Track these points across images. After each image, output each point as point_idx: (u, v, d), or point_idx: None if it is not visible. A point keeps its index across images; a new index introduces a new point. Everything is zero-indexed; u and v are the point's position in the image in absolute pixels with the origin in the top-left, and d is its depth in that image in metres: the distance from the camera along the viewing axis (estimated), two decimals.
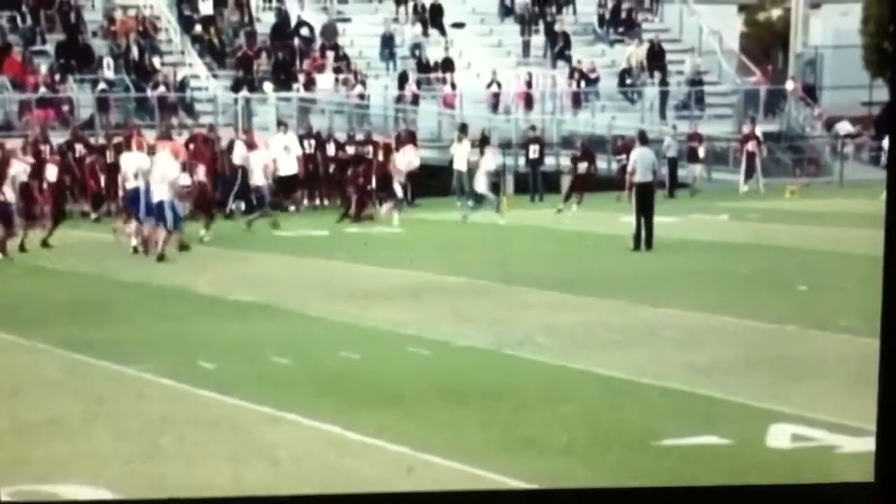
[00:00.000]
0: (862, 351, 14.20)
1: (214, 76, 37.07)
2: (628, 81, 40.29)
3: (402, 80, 37.96)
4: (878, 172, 36.73)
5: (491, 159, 29.20)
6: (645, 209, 22.72)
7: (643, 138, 23.96)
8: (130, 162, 24.10)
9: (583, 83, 39.64)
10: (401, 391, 12.73)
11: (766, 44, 50.99)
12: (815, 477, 9.79)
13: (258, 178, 27.26)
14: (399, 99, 37.74)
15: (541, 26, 41.80)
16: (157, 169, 22.76)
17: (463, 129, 33.52)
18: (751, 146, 33.23)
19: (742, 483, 8.89)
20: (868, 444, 10.43)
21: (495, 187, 29.08)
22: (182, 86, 35.95)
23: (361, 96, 37.40)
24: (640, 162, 23.16)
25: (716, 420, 11.46)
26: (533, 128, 35.71)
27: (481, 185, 28.53)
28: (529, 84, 39.35)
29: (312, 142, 32.73)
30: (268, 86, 36.57)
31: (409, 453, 10.48)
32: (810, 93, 43.69)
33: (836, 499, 3.94)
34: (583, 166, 29.17)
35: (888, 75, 44.60)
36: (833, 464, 10.22)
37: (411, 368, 13.87)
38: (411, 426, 11.32)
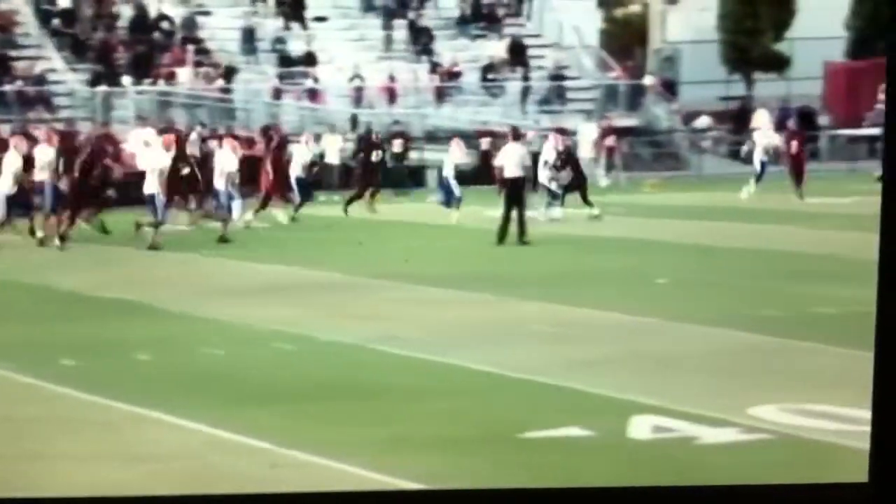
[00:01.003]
0: (725, 343, 14.51)
1: (73, 70, 36.53)
2: (490, 76, 40.51)
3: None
4: (736, 166, 37.36)
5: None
6: (515, 204, 22.94)
7: (515, 134, 24.29)
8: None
9: (445, 78, 39.78)
10: (266, 387, 12.70)
11: (625, 39, 51.54)
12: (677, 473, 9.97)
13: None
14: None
15: (403, 21, 41.83)
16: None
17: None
18: (610, 141, 33.58)
19: (618, 483, 9.02)
20: (729, 436, 10.70)
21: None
22: (40, 80, 35.38)
23: (224, 90, 37.12)
24: (510, 157, 23.42)
25: (579, 412, 11.58)
26: (397, 122, 35.77)
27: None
28: (392, 78, 39.38)
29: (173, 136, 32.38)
30: (126, 79, 36.13)
31: (274, 450, 10.44)
32: (669, 88, 44.30)
33: (830, 499, 4.00)
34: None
35: (744, 71, 45.48)
36: (695, 454, 10.39)
37: (277, 364, 13.83)
38: (277, 422, 11.27)
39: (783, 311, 16.19)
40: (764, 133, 29.40)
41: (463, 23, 42.71)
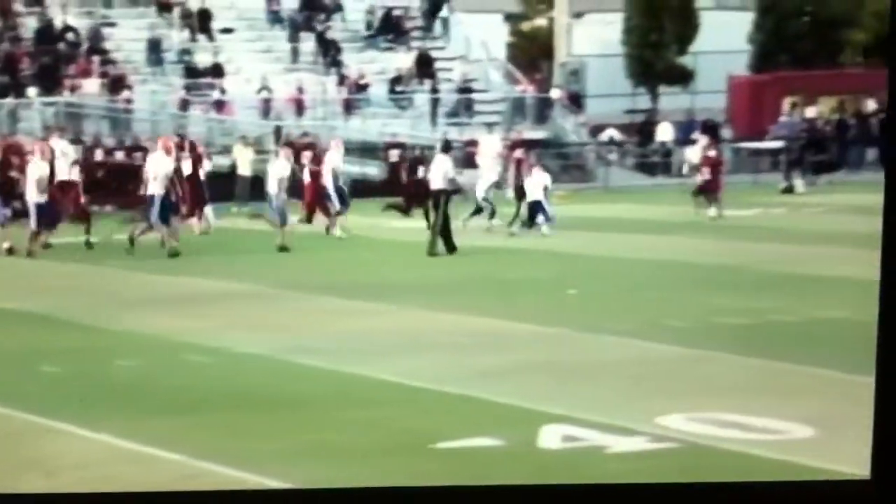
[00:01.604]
0: (633, 353, 14.66)
1: None
2: (398, 88, 40.62)
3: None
4: (642, 179, 37.76)
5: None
6: (441, 215, 23.17)
7: (445, 147, 24.59)
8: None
9: (353, 90, 39.81)
10: (178, 399, 12.65)
11: (532, 53, 51.87)
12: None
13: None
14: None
15: (311, 33, 41.81)
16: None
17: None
18: (518, 153, 33.73)
19: (524, 483, 9.09)
20: (638, 444, 10.83)
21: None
22: None
23: (129, 101, 36.88)
24: (435, 169, 23.73)
25: (490, 422, 11.65)
26: (306, 133, 35.70)
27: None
28: (300, 90, 39.34)
29: (80, 147, 32.12)
30: (32, 91, 35.77)
31: (186, 461, 10.41)
32: (575, 101, 44.64)
33: (833, 495, 4.04)
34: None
35: (644, 85, 45.95)
36: (604, 463, 10.49)
37: (190, 376, 13.78)
38: (189, 433, 11.25)
39: (689, 321, 16.37)
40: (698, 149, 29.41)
41: (371, 35, 42.79)
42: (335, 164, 27.34)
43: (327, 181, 27.12)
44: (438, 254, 22.98)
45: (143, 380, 13.56)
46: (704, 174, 28.68)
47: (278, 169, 25.38)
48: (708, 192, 28.51)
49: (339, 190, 27.14)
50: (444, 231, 23.16)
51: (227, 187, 26.37)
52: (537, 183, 26.51)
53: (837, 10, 46.13)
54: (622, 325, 16.05)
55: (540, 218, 25.92)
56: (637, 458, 10.61)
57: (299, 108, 39.02)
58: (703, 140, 30.10)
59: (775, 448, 10.71)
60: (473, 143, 35.05)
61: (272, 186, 25.07)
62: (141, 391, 13.01)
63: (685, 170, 30.29)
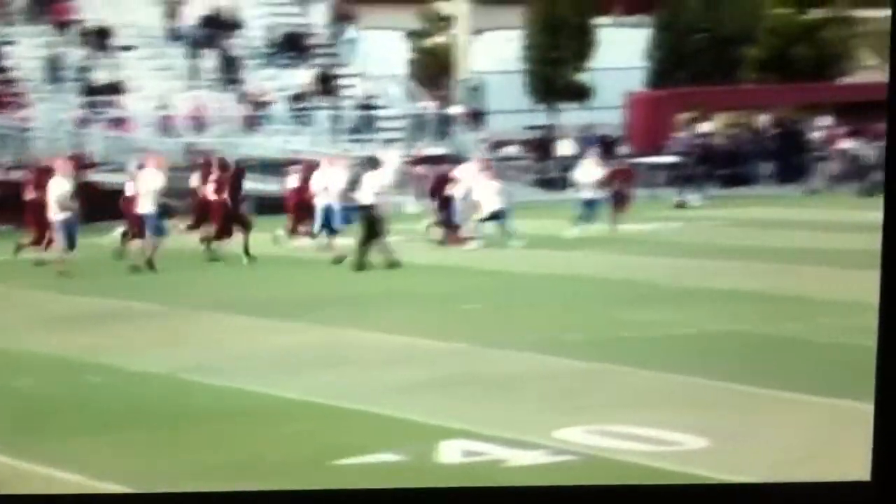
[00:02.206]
0: (533, 368, 14.78)
1: None
2: (299, 105, 40.58)
3: None
4: (541, 194, 37.97)
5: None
6: (368, 231, 23.33)
7: (373, 163, 24.80)
8: None
9: (254, 107, 39.73)
10: (77, 419, 12.57)
11: (433, 69, 52.03)
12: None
13: None
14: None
15: (210, 50, 41.65)
16: None
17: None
18: (420, 169, 33.87)
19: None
20: (537, 458, 10.94)
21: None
22: None
23: (24, 119, 36.54)
24: (365, 185, 23.97)
25: (391, 437, 11.70)
26: (205, 152, 35.57)
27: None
28: (201, 107, 39.18)
29: None
30: None
31: (84, 482, 10.35)
32: (476, 117, 44.85)
33: (833, 497, 4.09)
34: None
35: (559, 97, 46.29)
36: (498, 473, 10.58)
37: (88, 396, 13.69)
38: (88, 454, 11.18)
39: (589, 335, 16.52)
40: (587, 171, 29.50)
41: (271, 53, 42.70)
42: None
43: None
44: (367, 268, 23.13)
45: (41, 400, 13.46)
46: (616, 187, 28.88)
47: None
48: (620, 206, 28.74)
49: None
50: (364, 244, 23.36)
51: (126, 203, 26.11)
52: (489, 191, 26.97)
53: (734, 27, 46.78)
54: (523, 339, 16.16)
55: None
56: (535, 472, 10.71)
57: (199, 125, 38.86)
58: (592, 155, 30.28)
59: (671, 459, 10.84)
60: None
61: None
62: (37, 411, 12.92)
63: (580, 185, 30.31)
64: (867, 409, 12.15)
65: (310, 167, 28.02)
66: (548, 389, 13.73)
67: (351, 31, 43.51)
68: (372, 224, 23.53)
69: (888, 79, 4.22)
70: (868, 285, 20.00)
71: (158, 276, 22.96)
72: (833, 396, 12.78)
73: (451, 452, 11.17)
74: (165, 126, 38.38)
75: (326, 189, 25.93)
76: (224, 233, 25.19)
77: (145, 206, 24.30)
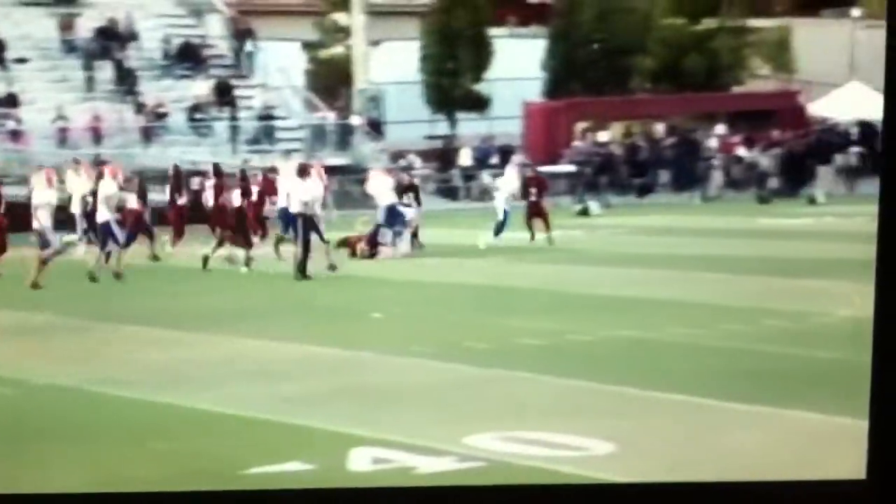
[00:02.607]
0: (439, 375, 14.89)
1: None
2: (197, 116, 40.41)
3: None
4: (444, 203, 38.13)
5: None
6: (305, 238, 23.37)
7: (301, 171, 24.72)
8: None
9: (151, 118, 39.49)
10: None
11: (330, 80, 51.99)
12: None
13: None
14: None
15: (106, 62, 41.33)
16: None
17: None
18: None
19: None
20: (446, 464, 11.03)
21: None
22: None
23: None
24: (294, 194, 24.03)
25: (299, 447, 11.73)
26: (103, 162, 35.34)
27: None
28: (97, 119, 38.87)
29: None
30: None
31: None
32: (375, 127, 44.92)
33: (829, 495, 4.15)
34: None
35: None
36: (409, 480, 10.65)
37: None
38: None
39: (491, 343, 16.65)
40: (507, 180, 29.00)
41: (168, 64, 42.46)
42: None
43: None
44: (309, 277, 23.15)
45: None
46: (532, 196, 28.43)
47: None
48: (538, 214, 28.32)
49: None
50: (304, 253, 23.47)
51: (25, 217, 25.82)
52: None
53: (626, 38, 47.29)
54: (426, 347, 16.25)
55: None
56: (445, 478, 10.79)
57: (97, 136, 38.53)
58: (515, 162, 30.04)
59: (579, 464, 10.98)
60: (274, 169, 35.01)
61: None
62: None
63: (495, 192, 30.08)
64: (766, 411, 12.41)
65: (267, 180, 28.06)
66: (454, 396, 13.82)
67: (250, 45, 43.40)
68: (302, 232, 23.54)
69: (884, 86, 4.34)
70: (763, 291, 20.42)
71: (69, 289, 22.70)
72: (735, 401, 13.02)
73: (360, 460, 11.23)
74: (62, 138, 38.02)
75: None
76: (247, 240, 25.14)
77: (102, 214, 24.08)
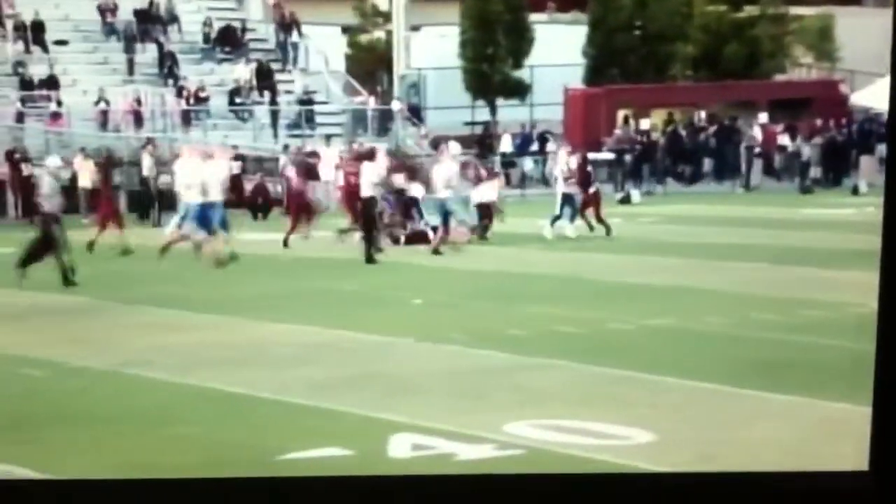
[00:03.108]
0: (477, 363, 14.85)
1: None
2: (238, 100, 40.45)
3: None
4: None
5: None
6: (367, 223, 23.71)
7: (370, 155, 24.85)
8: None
9: (192, 101, 39.56)
10: (13, 414, 12.44)
11: (370, 65, 51.99)
12: None
13: None
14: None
15: (147, 45, 41.47)
16: None
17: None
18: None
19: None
20: (486, 452, 10.99)
21: None
22: None
23: None
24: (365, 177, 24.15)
25: (337, 432, 11.69)
26: (150, 142, 35.53)
27: None
28: (138, 102, 38.98)
29: None
30: None
31: (28, 478, 10.24)
32: (415, 113, 44.87)
33: (831, 487, 4.10)
34: None
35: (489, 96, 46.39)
36: (449, 467, 10.60)
37: (24, 391, 13.58)
38: (26, 450, 11.03)
39: (530, 330, 16.61)
40: (563, 164, 27.75)
41: (208, 47, 42.54)
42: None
43: None
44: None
45: None
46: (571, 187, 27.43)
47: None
48: (591, 204, 27.57)
49: None
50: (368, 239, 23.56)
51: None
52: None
53: (666, 24, 47.06)
54: (464, 334, 16.22)
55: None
56: (484, 465, 10.75)
57: (138, 119, 38.65)
58: (565, 150, 29.22)
59: (619, 452, 10.93)
60: (315, 154, 35.07)
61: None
62: None
63: (554, 180, 29.18)
64: (802, 401, 12.32)
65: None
66: (492, 384, 13.77)
67: (295, 36, 43.41)
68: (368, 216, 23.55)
69: (890, 78, 4.27)
70: (802, 281, 20.25)
71: (85, 272, 22.70)
72: (772, 391, 12.95)
73: (400, 447, 11.18)
74: (104, 121, 38.16)
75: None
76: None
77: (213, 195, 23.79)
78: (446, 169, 25.51)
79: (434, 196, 25.51)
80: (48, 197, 21.79)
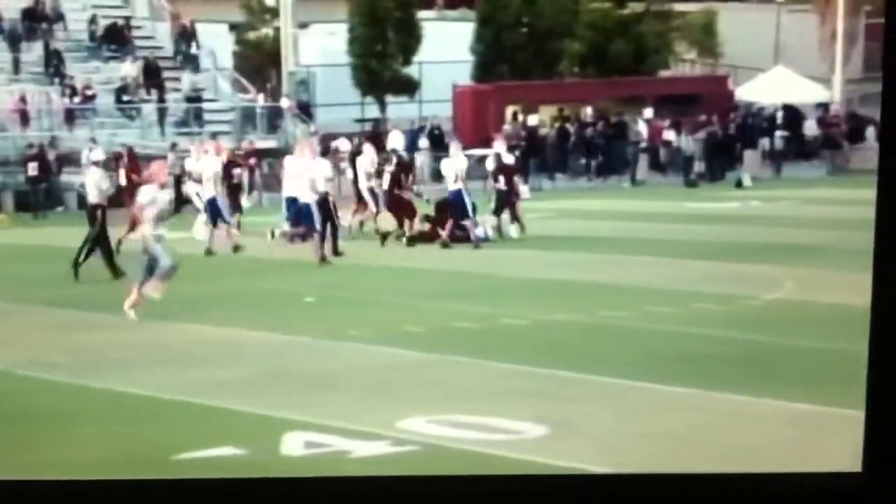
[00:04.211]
0: (373, 360, 14.86)
1: None
2: (125, 98, 40.00)
3: None
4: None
5: None
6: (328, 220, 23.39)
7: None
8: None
9: (78, 100, 39.05)
10: None
11: (259, 62, 51.69)
12: None
13: None
14: None
15: (33, 44, 40.84)
16: None
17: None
18: (251, 161, 33.69)
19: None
20: (380, 448, 11.00)
21: None
22: None
23: None
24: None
25: (232, 432, 11.66)
26: (31, 145, 35.17)
27: None
28: (24, 101, 38.38)
29: None
30: None
31: None
32: (305, 110, 44.69)
33: (823, 488, 4.12)
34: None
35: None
36: (342, 465, 10.60)
37: None
38: None
39: (426, 326, 16.66)
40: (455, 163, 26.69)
41: (94, 45, 42.03)
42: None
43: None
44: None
45: None
46: (500, 184, 26.74)
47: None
48: (511, 204, 26.75)
49: None
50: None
51: None
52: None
53: (553, 21, 47.38)
54: (361, 331, 16.22)
55: None
56: (380, 462, 10.77)
57: (24, 119, 38.09)
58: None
59: (513, 447, 10.99)
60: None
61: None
62: None
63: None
64: (698, 394, 12.49)
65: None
66: (388, 381, 13.78)
67: (195, 48, 43.01)
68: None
69: (883, 75, 4.33)
70: (692, 274, 20.47)
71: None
72: (664, 384, 13.10)
73: (293, 445, 11.17)
74: None
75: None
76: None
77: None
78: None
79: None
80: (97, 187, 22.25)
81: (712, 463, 10.33)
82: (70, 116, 38.41)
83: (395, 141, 39.79)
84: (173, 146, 37.93)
